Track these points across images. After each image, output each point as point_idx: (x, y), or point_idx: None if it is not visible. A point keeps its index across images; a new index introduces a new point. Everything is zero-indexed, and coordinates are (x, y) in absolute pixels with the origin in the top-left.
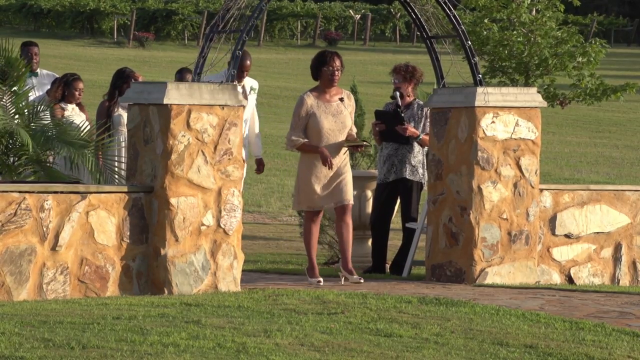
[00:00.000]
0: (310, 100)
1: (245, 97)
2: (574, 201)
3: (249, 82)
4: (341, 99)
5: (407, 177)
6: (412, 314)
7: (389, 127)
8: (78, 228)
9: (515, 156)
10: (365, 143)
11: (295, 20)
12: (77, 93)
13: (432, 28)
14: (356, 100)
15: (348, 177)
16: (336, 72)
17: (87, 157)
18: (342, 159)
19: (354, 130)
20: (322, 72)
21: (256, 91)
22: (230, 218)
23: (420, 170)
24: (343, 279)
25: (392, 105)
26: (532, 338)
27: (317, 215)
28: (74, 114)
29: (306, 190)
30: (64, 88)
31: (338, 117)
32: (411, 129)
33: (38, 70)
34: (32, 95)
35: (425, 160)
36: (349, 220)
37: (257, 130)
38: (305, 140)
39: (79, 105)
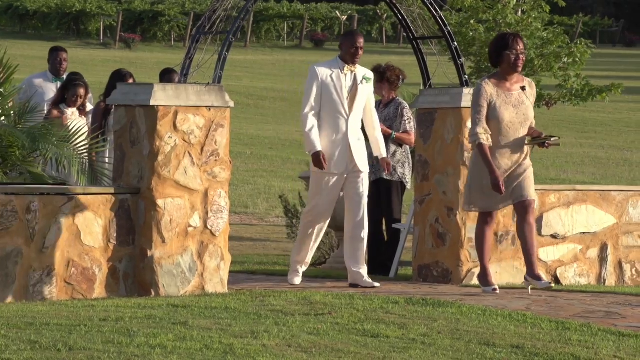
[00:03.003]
0: (490, 88)
1: (356, 86)
2: (560, 201)
3: (361, 71)
4: (523, 88)
5: (385, 177)
6: (399, 315)
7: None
8: (64, 230)
9: None
10: (553, 138)
11: (282, 22)
12: (74, 98)
13: (419, 29)
14: None
15: (529, 172)
16: (520, 57)
17: (75, 159)
18: (523, 156)
19: (533, 122)
20: (503, 57)
21: (370, 81)
22: (217, 219)
23: (400, 170)
24: (530, 288)
25: None
26: (518, 338)
27: (492, 217)
28: (73, 118)
29: (480, 189)
30: (64, 91)
31: (519, 109)
32: (382, 127)
33: (64, 75)
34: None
35: (407, 159)
36: (532, 220)
37: (377, 127)
38: (489, 142)
39: (80, 109)
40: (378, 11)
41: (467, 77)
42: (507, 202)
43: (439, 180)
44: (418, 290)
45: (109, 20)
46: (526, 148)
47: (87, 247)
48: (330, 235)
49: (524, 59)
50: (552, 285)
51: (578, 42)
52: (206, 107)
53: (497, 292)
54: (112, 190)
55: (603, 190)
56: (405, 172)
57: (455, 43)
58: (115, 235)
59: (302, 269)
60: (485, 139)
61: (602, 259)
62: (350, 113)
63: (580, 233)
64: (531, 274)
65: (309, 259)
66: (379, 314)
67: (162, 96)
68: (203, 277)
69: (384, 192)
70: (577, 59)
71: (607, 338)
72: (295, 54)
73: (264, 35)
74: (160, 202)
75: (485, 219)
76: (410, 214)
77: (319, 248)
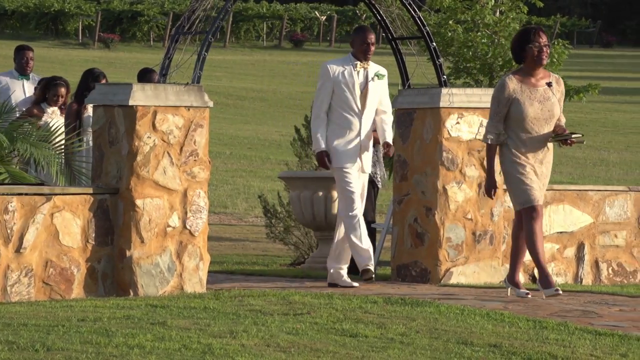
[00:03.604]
0: (513, 84)
1: (366, 82)
2: None
3: (374, 67)
4: (549, 84)
5: None
6: (377, 314)
7: None
8: (43, 230)
9: (480, 157)
10: (577, 134)
11: (261, 22)
12: (55, 97)
13: (397, 29)
14: None
15: (547, 178)
16: (544, 49)
17: (53, 158)
18: (548, 154)
19: (563, 120)
20: (526, 51)
21: (384, 77)
22: (196, 219)
23: (372, 170)
24: (509, 291)
25: None
26: (496, 337)
27: (538, 212)
28: (54, 117)
29: (518, 185)
30: (45, 90)
31: (545, 105)
32: None
33: (30, 75)
34: (21, 97)
35: (378, 158)
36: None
37: (389, 122)
38: (499, 140)
39: (61, 108)
40: (357, 11)
41: (445, 77)
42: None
43: (418, 180)
44: (396, 289)
45: (88, 20)
46: (550, 145)
47: (66, 247)
48: (309, 235)
49: (548, 51)
50: (561, 292)
51: (555, 43)
52: (185, 107)
53: (560, 293)
54: (90, 190)
55: (580, 190)
56: (378, 172)
57: (434, 43)
58: (93, 235)
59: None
60: (495, 138)
61: (579, 258)
62: (363, 110)
63: (558, 232)
64: (511, 280)
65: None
66: (358, 313)
67: (141, 96)
68: (182, 277)
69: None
70: (555, 60)
71: (584, 337)
72: (274, 54)
73: (243, 36)
74: (139, 202)
75: (531, 214)
76: (388, 214)
77: (297, 248)
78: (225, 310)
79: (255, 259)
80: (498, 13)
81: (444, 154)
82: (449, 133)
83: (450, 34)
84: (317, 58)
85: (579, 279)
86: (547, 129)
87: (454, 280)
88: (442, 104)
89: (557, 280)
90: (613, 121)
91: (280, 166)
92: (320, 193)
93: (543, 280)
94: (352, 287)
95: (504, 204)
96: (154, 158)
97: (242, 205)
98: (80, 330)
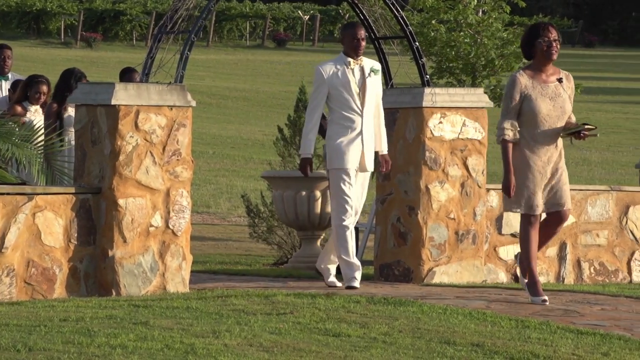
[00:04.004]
0: (525, 80)
1: (364, 78)
2: None
3: (368, 63)
4: (559, 80)
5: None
6: (360, 314)
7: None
8: (24, 230)
9: (463, 156)
10: (588, 127)
11: (244, 21)
12: (37, 95)
13: (380, 29)
14: (304, 102)
15: (565, 176)
16: (553, 44)
17: (35, 158)
18: (559, 153)
19: (573, 119)
20: (535, 46)
21: (379, 72)
22: (179, 219)
23: None
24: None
25: None
26: (478, 336)
27: (536, 219)
28: (37, 115)
29: (522, 190)
30: (27, 89)
31: (557, 101)
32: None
33: (9, 74)
34: None
35: None
36: (559, 230)
37: (382, 121)
38: (515, 137)
39: (43, 106)
40: (340, 11)
41: (428, 77)
42: (547, 207)
43: (401, 180)
44: (379, 289)
45: (70, 19)
46: (561, 143)
47: (48, 247)
48: (292, 234)
49: (558, 47)
50: (547, 302)
51: None
52: (168, 106)
53: (547, 303)
54: (73, 190)
55: None
56: None
57: (417, 43)
58: (76, 235)
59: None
60: (512, 135)
61: (561, 257)
62: (363, 107)
63: None
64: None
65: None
66: (341, 313)
67: (123, 95)
68: (164, 277)
69: None
70: None
71: (566, 336)
72: (257, 53)
73: (226, 35)
74: (121, 201)
75: (529, 220)
76: (371, 214)
77: (281, 247)
78: (208, 310)
79: (238, 258)
80: (481, 13)
81: (427, 153)
82: (431, 133)
83: (433, 33)
84: (300, 58)
85: (561, 278)
86: (559, 125)
87: (436, 279)
88: (424, 104)
89: (540, 279)
90: (595, 121)
91: (263, 166)
92: (304, 193)
93: (532, 287)
94: (335, 287)
95: (486, 204)
96: (137, 157)
97: (225, 205)
98: (62, 330)
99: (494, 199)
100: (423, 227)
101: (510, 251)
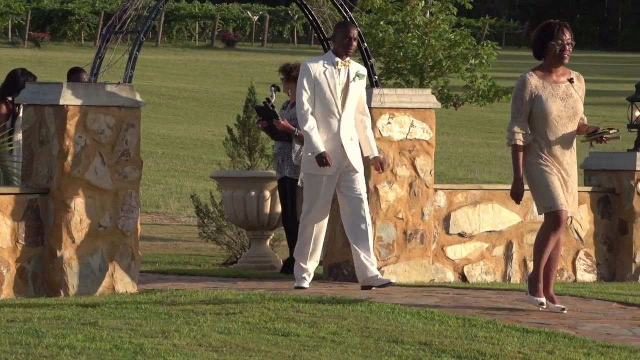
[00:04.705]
0: (535, 81)
1: (348, 81)
2: (467, 201)
3: (354, 67)
4: (570, 80)
5: (289, 175)
6: (309, 313)
7: (270, 122)
8: None
9: (411, 156)
10: (612, 130)
11: (193, 22)
12: None
13: (329, 30)
14: (253, 102)
15: (575, 181)
16: (567, 47)
17: None
18: (573, 155)
19: (585, 119)
20: (548, 48)
21: (364, 77)
22: (128, 219)
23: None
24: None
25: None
26: (426, 335)
27: (559, 224)
28: None
29: (544, 188)
30: None
31: (568, 102)
32: (284, 123)
33: None
34: None
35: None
36: (562, 235)
37: (368, 125)
38: (526, 141)
39: None
40: (289, 12)
41: (376, 77)
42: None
43: None
44: (329, 289)
45: (18, 18)
46: (575, 145)
47: None
48: (242, 234)
49: (571, 49)
50: (565, 311)
51: (484, 44)
52: (117, 106)
53: (544, 307)
54: (20, 190)
55: (508, 190)
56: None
57: (365, 44)
58: (23, 235)
59: (310, 271)
60: (522, 138)
61: (508, 256)
62: (342, 111)
63: (487, 231)
64: (545, 293)
65: (317, 258)
66: (290, 312)
67: (71, 96)
68: (113, 277)
69: (289, 189)
70: (484, 61)
71: (512, 334)
72: (206, 53)
73: (175, 35)
74: (70, 202)
75: (551, 223)
76: None
77: (230, 247)
78: (157, 310)
79: (188, 258)
80: (428, 14)
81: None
82: (380, 133)
83: (381, 34)
84: (250, 58)
85: (508, 277)
86: (571, 127)
87: (388, 278)
88: (373, 104)
89: (486, 279)
90: None
91: (213, 166)
92: (253, 193)
93: (533, 284)
94: (390, 284)
95: (434, 204)
96: (85, 158)
97: (175, 205)
98: (10, 331)
99: (442, 199)
100: (372, 227)
101: (457, 251)
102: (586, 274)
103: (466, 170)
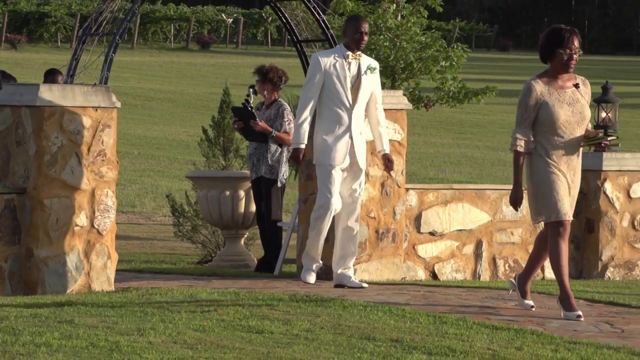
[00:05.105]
0: (540, 87)
1: (359, 75)
2: (438, 200)
3: (366, 60)
4: (576, 85)
5: (265, 175)
6: (283, 311)
7: (246, 123)
8: None
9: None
10: (610, 138)
11: (169, 24)
12: None
13: (302, 32)
14: (228, 103)
15: (577, 185)
16: (574, 56)
17: None
18: (579, 162)
19: (589, 125)
20: (555, 54)
21: (376, 70)
22: (104, 218)
23: (281, 169)
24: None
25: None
26: (397, 332)
27: (565, 229)
28: None
29: (547, 198)
30: None
31: (575, 107)
32: (262, 124)
33: None
34: None
35: (281, 158)
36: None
37: (382, 121)
38: (527, 148)
39: None
40: (263, 14)
41: None
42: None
43: None
44: (302, 287)
45: None
46: (581, 151)
47: None
48: (217, 233)
49: (578, 58)
50: (582, 319)
51: (455, 47)
52: (93, 107)
53: (582, 319)
54: None
55: (478, 189)
56: (285, 171)
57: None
58: (0, 234)
59: (318, 265)
60: (524, 146)
61: (477, 255)
62: (354, 105)
63: (457, 230)
64: (522, 287)
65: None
66: (264, 310)
67: (48, 96)
68: (90, 276)
69: (264, 189)
70: (454, 63)
71: (481, 331)
72: (181, 55)
73: (150, 37)
74: (46, 201)
75: (557, 230)
76: (294, 213)
77: (205, 246)
78: (132, 308)
79: (163, 257)
80: (399, 17)
81: None
82: None
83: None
84: (224, 60)
85: (478, 275)
86: (579, 132)
87: (357, 277)
88: None
89: (457, 277)
90: (510, 122)
91: (188, 166)
92: (227, 192)
93: (565, 301)
94: (361, 287)
95: (405, 203)
96: (62, 158)
97: (150, 205)
98: None
99: (413, 198)
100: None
101: (428, 249)
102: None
103: (437, 170)
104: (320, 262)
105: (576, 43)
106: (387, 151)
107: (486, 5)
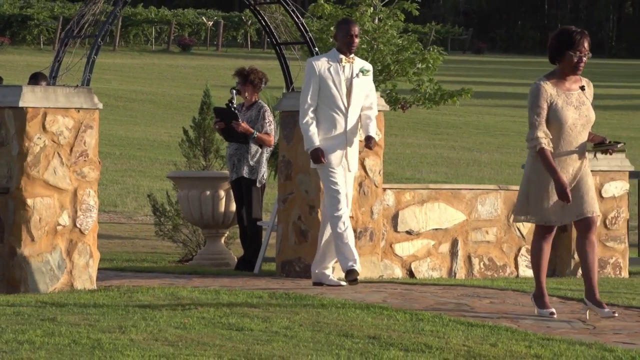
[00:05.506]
0: (549, 88)
1: (352, 78)
2: (415, 200)
3: (359, 63)
4: (582, 88)
5: (245, 176)
6: (262, 309)
7: (228, 124)
8: None
9: (360, 157)
10: (620, 144)
11: (150, 26)
12: None
13: (282, 35)
14: (208, 105)
15: (590, 183)
16: (584, 59)
17: None
18: (585, 163)
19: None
20: (565, 57)
21: (369, 73)
22: (86, 218)
23: (261, 169)
24: (588, 312)
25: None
26: (375, 329)
27: (550, 233)
28: None
29: (539, 201)
30: None
31: (581, 110)
32: (244, 125)
33: None
34: None
35: (266, 160)
36: (594, 238)
37: (372, 115)
38: (550, 147)
39: None
40: (243, 17)
41: None
42: (568, 218)
43: (302, 180)
44: (281, 285)
45: None
46: (587, 153)
47: None
48: (197, 232)
49: (586, 60)
50: (616, 314)
51: (431, 49)
52: (75, 108)
53: (555, 316)
54: None
55: (454, 189)
56: (264, 172)
57: (317, 48)
58: None
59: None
60: (547, 143)
61: (453, 253)
62: (348, 107)
63: (433, 229)
64: (591, 298)
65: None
66: (244, 308)
67: (31, 98)
68: (72, 274)
69: (245, 190)
70: (430, 65)
71: (457, 328)
72: (163, 57)
73: (132, 40)
74: (29, 201)
75: (543, 233)
76: (273, 212)
77: (186, 245)
78: (114, 306)
79: (145, 256)
80: (377, 20)
81: None
82: None
83: (332, 40)
84: (205, 62)
85: (453, 273)
86: (584, 135)
87: (336, 275)
88: None
89: (433, 275)
90: (484, 124)
91: (169, 166)
92: (208, 192)
93: (539, 299)
94: (340, 286)
95: (383, 203)
96: (44, 158)
97: (132, 204)
98: None
99: (390, 198)
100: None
101: (405, 248)
102: (528, 270)
103: (413, 171)
104: (357, 256)
105: (586, 45)
106: (374, 135)
107: (461, 9)
